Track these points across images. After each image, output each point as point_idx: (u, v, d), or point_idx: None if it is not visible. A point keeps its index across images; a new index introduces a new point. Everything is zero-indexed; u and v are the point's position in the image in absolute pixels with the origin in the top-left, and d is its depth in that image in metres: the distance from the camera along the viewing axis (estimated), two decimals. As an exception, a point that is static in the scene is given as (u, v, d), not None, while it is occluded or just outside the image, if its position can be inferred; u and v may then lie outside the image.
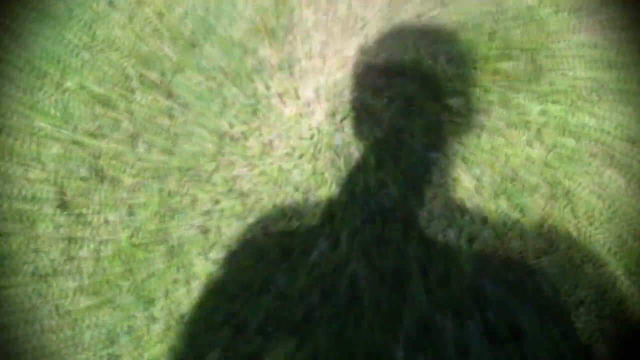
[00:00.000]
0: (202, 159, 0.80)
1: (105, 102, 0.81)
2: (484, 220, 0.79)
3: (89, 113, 0.81)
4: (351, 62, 0.87)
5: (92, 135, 0.79)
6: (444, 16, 0.84)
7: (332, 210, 0.75)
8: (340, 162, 0.80)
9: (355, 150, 0.82)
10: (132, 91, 0.82)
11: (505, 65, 0.80)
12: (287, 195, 0.79)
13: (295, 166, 0.78)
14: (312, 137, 0.80)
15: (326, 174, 0.81)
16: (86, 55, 0.82)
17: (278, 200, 0.78)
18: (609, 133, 0.77)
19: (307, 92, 0.82)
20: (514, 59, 0.81)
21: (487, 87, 0.82)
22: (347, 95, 0.82)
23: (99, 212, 0.77)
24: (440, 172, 0.82)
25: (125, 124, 0.80)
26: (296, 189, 0.77)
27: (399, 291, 0.69)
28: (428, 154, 0.82)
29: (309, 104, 0.81)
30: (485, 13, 0.83)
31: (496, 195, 0.80)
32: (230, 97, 0.82)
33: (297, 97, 0.80)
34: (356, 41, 0.84)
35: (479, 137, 0.84)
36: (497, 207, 0.80)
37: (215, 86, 0.82)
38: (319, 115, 0.81)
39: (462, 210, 0.80)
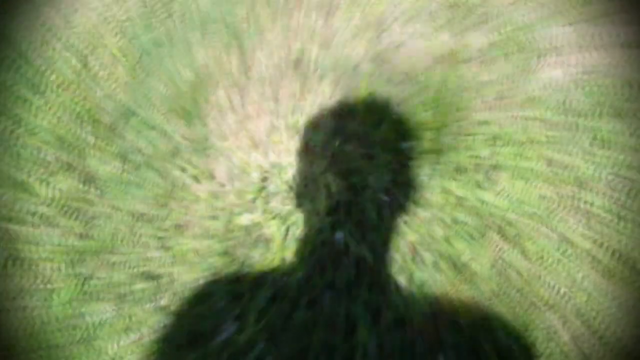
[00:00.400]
0: (118, 242, 0.87)
1: (23, 187, 0.88)
2: (435, 265, 0.88)
3: (6, 197, 0.87)
4: (305, 105, 0.95)
5: (8, 219, 0.86)
6: (397, 60, 0.92)
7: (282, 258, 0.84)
8: (291, 205, 0.90)
9: (307, 192, 0.90)
10: (51, 174, 0.89)
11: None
12: (203, 275, 0.85)
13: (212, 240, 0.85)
14: (263, 180, 0.90)
15: (277, 218, 0.91)
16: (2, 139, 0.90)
17: (193, 281, 0.85)
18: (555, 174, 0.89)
19: (258, 133, 0.90)
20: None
21: (438, 129, 0.93)
22: (300, 137, 0.93)
23: (14, 298, 0.83)
24: (391, 216, 0.90)
25: (42, 208, 0.87)
26: (224, 254, 0.85)
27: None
28: (379, 196, 0.90)
29: (259, 145, 0.88)
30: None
31: (446, 239, 0.89)
32: (148, 179, 0.89)
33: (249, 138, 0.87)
34: (310, 84, 0.92)
35: (430, 179, 0.92)
36: (446, 250, 0.89)
37: (133, 169, 0.90)
38: (271, 156, 0.89)
39: (413, 256, 0.88)
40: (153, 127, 0.93)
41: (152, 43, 0.96)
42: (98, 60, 0.96)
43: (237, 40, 0.95)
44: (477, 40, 0.94)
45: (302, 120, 0.91)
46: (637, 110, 0.87)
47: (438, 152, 0.88)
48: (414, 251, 0.84)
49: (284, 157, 0.90)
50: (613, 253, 0.82)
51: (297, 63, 0.93)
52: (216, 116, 0.92)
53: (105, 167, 0.91)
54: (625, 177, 0.85)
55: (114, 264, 0.86)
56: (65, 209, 0.88)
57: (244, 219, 0.87)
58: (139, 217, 0.88)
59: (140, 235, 0.88)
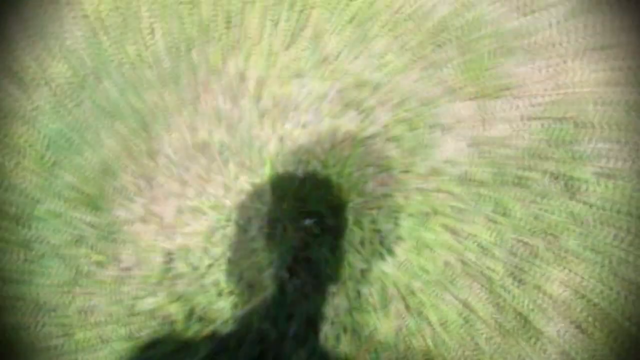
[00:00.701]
0: (21, 333, 1.67)
1: None
2: (337, 338, 1.55)
3: None
4: (210, 187, 1.73)
5: None
6: (303, 139, 1.75)
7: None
8: (196, 286, 1.63)
9: (212, 273, 1.63)
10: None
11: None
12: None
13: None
14: (169, 262, 1.64)
15: (180, 300, 1.61)
16: None
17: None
18: (459, 242, 1.60)
19: (165, 216, 1.71)
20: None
21: (342, 205, 1.64)
22: (206, 218, 1.68)
23: None
24: (294, 292, 1.60)
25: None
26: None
27: None
28: (281, 274, 1.63)
29: (165, 228, 1.68)
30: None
31: (349, 312, 1.57)
32: (52, 268, 1.72)
33: (157, 216, 1.69)
34: (216, 166, 1.72)
35: (333, 253, 1.62)
36: (350, 323, 1.56)
37: (37, 258, 1.73)
38: (178, 239, 1.68)
39: (315, 330, 1.54)
40: (58, 216, 1.75)
41: (59, 132, 1.81)
42: (4, 151, 1.83)
43: (145, 126, 1.81)
44: (383, 116, 1.81)
45: (208, 202, 1.76)
46: (535, 179, 1.73)
47: (341, 227, 1.71)
48: (316, 325, 1.64)
49: (190, 239, 1.73)
50: (515, 315, 1.61)
51: (204, 146, 1.81)
52: (123, 201, 1.77)
53: (7, 257, 1.73)
54: (525, 242, 1.66)
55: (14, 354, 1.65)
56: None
57: (148, 303, 1.68)
58: (42, 305, 1.68)
59: (44, 325, 1.68)
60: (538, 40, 1.78)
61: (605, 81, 1.68)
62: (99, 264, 1.66)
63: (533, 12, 1.77)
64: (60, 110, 1.81)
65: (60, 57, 1.83)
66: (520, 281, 1.58)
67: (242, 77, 1.82)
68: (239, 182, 1.66)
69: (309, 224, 1.65)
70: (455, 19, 1.80)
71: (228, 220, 1.67)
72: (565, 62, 1.74)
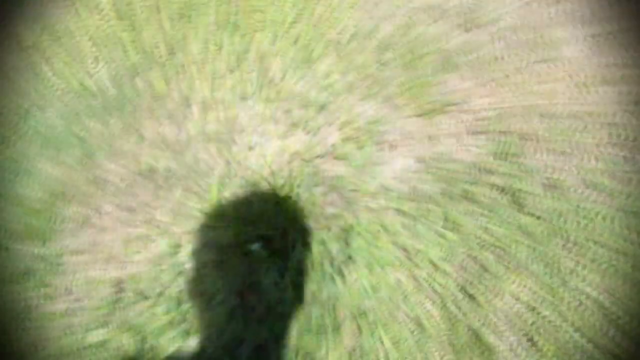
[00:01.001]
0: None
1: None
2: None
3: None
4: (157, 213, 1.74)
5: None
6: (250, 161, 1.77)
7: None
8: (147, 315, 1.62)
9: (161, 302, 1.63)
10: None
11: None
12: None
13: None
14: (120, 292, 1.66)
15: (131, 330, 1.61)
16: None
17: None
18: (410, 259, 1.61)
19: (114, 245, 1.69)
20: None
21: (291, 227, 1.64)
22: (155, 245, 1.69)
23: None
24: (245, 317, 1.61)
25: None
26: None
27: None
28: (230, 300, 1.63)
29: (115, 256, 1.68)
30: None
31: (301, 335, 1.56)
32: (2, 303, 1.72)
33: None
34: (163, 192, 1.74)
35: (283, 277, 1.63)
36: (302, 346, 1.55)
37: None
38: (128, 267, 1.66)
39: (267, 355, 1.54)
40: (5, 249, 1.79)
41: (3, 165, 1.86)
42: (-53, 187, 1.82)
43: (91, 154, 1.82)
44: (330, 136, 1.84)
45: (156, 229, 1.79)
46: (483, 193, 1.78)
47: (289, 249, 1.75)
48: (267, 350, 1.67)
49: (140, 268, 1.76)
50: (467, 331, 1.62)
51: (151, 172, 1.84)
52: (71, 232, 1.80)
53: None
54: (475, 257, 1.70)
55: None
56: None
57: (99, 334, 1.70)
58: (-10, 342, 1.68)
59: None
60: (481, 56, 1.80)
61: (549, 93, 1.71)
62: (48, 296, 1.64)
63: (475, 28, 1.77)
64: (4, 142, 1.81)
65: (2, 89, 1.81)
66: (471, 296, 1.58)
67: (187, 102, 1.83)
68: (186, 207, 1.66)
69: (255, 248, 1.65)
70: (399, 37, 1.82)
71: (177, 246, 1.64)
72: (507, 76, 1.76)
